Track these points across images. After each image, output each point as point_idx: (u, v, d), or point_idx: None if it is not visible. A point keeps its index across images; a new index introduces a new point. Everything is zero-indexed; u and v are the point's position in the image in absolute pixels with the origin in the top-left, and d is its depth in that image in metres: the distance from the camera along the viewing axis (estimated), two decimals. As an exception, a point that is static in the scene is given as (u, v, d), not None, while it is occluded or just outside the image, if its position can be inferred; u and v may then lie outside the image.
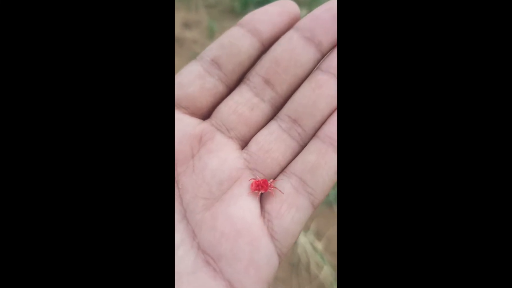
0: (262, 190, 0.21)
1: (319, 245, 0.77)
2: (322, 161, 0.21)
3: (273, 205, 0.21)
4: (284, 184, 0.21)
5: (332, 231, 0.78)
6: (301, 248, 0.76)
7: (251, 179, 0.21)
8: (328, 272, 0.73)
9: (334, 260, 0.74)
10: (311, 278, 0.73)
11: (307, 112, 0.22)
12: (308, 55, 0.22)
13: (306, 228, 0.78)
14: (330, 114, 0.22)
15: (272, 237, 0.20)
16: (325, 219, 0.79)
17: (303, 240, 0.77)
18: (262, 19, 0.22)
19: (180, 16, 1.16)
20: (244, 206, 0.20)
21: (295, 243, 0.77)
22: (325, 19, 0.22)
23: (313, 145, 0.21)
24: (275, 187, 0.21)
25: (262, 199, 0.21)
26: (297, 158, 0.22)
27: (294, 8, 0.23)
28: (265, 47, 0.23)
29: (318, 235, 0.78)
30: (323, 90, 0.21)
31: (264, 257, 0.19)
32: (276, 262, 0.20)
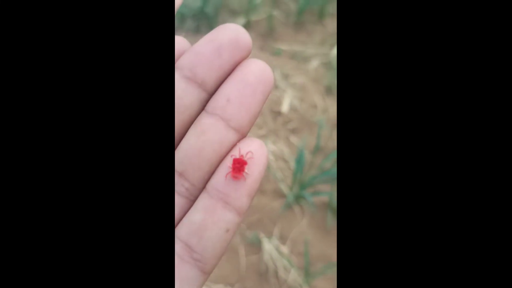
0: (243, 170, 0.18)
1: (285, 249, 0.75)
2: (210, 220, 0.18)
3: None
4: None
5: (294, 232, 0.77)
6: (267, 255, 0.74)
7: (227, 174, 0.19)
8: (296, 275, 0.72)
9: (300, 261, 0.73)
10: (280, 284, 0.71)
11: (194, 163, 0.19)
12: (191, 97, 0.19)
13: (269, 234, 0.77)
14: (219, 163, 0.19)
15: None
16: (287, 221, 0.78)
17: (268, 246, 0.75)
18: None
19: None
20: None
21: (261, 250, 0.75)
22: (206, 54, 0.19)
23: (200, 201, 0.19)
24: (251, 156, 0.19)
25: None
26: (184, 219, 0.19)
27: (180, 44, 0.20)
28: None
29: (282, 239, 0.77)
30: (208, 136, 0.19)
31: None
32: None
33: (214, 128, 0.19)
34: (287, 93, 0.99)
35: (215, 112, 0.19)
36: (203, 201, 0.19)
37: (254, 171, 0.19)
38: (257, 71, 0.19)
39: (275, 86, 1.01)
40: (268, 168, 0.85)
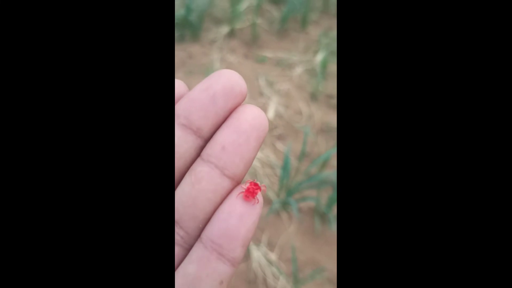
0: (256, 194, 0.19)
1: (273, 256, 0.75)
2: (203, 273, 0.18)
3: None
4: None
5: (282, 239, 0.77)
6: (256, 263, 0.74)
7: (240, 192, 0.19)
8: (284, 282, 0.71)
9: (289, 268, 0.73)
10: (269, 292, 0.71)
11: (188, 212, 0.19)
12: (186, 144, 0.19)
13: (257, 242, 0.76)
14: (214, 212, 0.19)
15: None
16: (274, 228, 0.78)
17: (256, 254, 0.75)
18: None
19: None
20: None
21: (249, 258, 0.74)
22: (202, 101, 0.19)
23: (195, 252, 0.19)
24: (262, 190, 0.19)
25: None
26: (178, 269, 0.19)
27: (178, 88, 0.20)
28: None
29: (270, 246, 0.76)
30: (203, 185, 0.19)
31: None
32: None
33: (209, 176, 0.19)
34: (272, 100, 1.00)
35: (210, 160, 0.19)
36: (197, 251, 0.19)
37: (248, 221, 0.19)
38: (251, 118, 0.19)
39: (260, 93, 1.01)
40: (255, 175, 0.85)
